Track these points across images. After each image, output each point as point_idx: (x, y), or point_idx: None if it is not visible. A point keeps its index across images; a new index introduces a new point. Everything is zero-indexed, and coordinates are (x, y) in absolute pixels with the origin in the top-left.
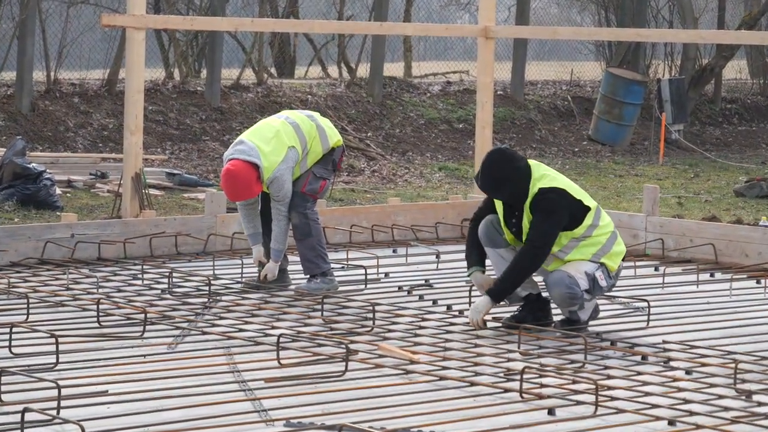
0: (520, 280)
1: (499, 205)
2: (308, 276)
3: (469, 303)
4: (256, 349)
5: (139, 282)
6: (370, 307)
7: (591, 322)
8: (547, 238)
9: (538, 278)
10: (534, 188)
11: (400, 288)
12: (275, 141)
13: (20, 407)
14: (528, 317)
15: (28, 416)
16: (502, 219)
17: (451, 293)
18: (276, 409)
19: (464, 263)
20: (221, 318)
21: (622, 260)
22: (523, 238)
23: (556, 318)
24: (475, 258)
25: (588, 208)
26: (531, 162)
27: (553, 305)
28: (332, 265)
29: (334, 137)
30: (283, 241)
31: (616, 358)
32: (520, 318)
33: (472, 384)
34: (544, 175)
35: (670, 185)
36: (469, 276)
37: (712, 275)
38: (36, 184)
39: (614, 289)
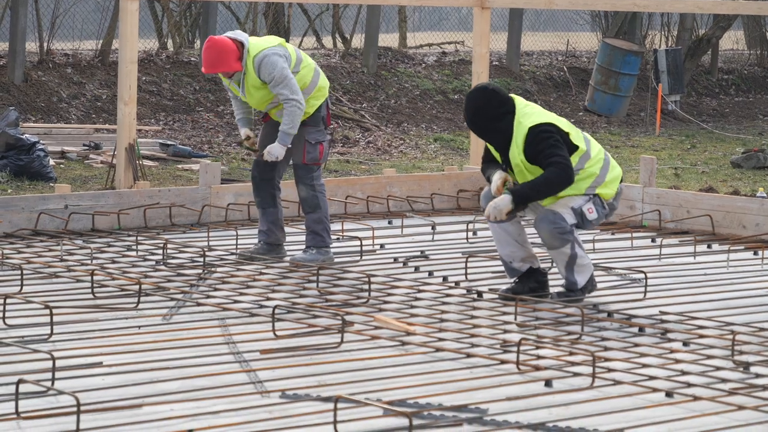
0: (547, 190)
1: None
2: (306, 247)
3: (465, 275)
4: (252, 321)
5: (133, 253)
6: (366, 279)
7: (588, 295)
8: (564, 154)
9: (529, 229)
10: (522, 127)
11: (395, 259)
12: (267, 38)
13: (15, 378)
14: (524, 289)
15: (23, 387)
16: (497, 155)
17: (447, 264)
18: (271, 381)
19: (461, 234)
20: (216, 289)
21: (621, 182)
22: (514, 171)
23: (552, 290)
24: (493, 171)
25: (576, 147)
26: (513, 97)
27: (550, 277)
28: None
29: (325, 86)
30: (294, 126)
31: (613, 330)
32: (516, 290)
33: (469, 356)
34: (528, 113)
35: (666, 156)
36: (489, 177)
37: (709, 246)
38: (29, 155)
39: (611, 261)
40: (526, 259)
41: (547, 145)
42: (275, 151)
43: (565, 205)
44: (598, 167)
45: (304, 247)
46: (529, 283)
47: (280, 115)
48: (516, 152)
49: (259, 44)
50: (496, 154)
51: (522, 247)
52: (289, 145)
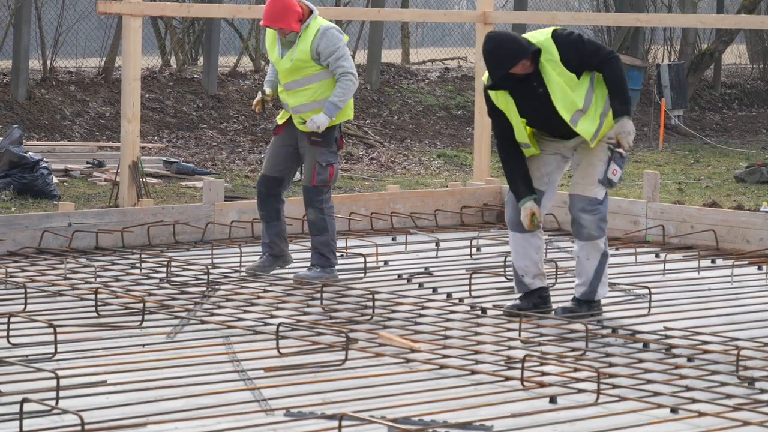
0: (626, 86)
1: (505, 102)
2: (311, 265)
3: (469, 291)
4: (256, 338)
5: (137, 271)
6: (370, 296)
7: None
8: (602, 44)
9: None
10: (544, 42)
11: (399, 276)
12: None
13: (19, 397)
14: (528, 305)
15: (27, 406)
16: (519, 119)
17: (450, 281)
18: (276, 399)
19: (464, 251)
20: (220, 307)
21: None
22: (555, 98)
23: (555, 305)
24: (524, 189)
25: None
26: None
27: (554, 292)
28: None
29: (351, 108)
30: (344, 101)
31: (617, 346)
32: (520, 306)
33: (473, 372)
34: (533, 34)
35: (670, 171)
36: (521, 205)
37: (713, 261)
38: (33, 173)
39: (615, 276)
40: (537, 276)
41: (583, 43)
42: (319, 120)
43: (592, 181)
44: None
45: (308, 264)
46: (532, 299)
47: (297, 111)
48: (555, 73)
49: (325, 21)
50: (512, 113)
51: (538, 263)
52: (333, 118)
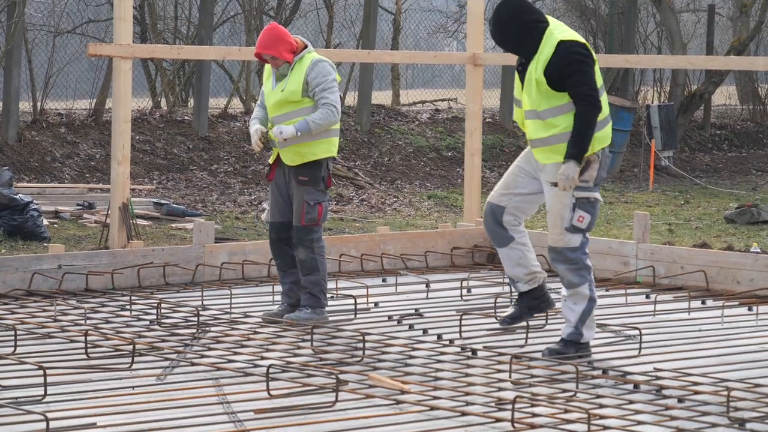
0: (591, 131)
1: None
2: (301, 306)
3: (460, 332)
4: (246, 380)
5: (127, 313)
6: (360, 337)
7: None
8: (593, 84)
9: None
10: (552, 39)
11: (390, 317)
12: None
13: None
14: (523, 311)
15: None
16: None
17: (441, 322)
18: None
19: (455, 292)
20: (210, 349)
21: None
22: (523, 85)
23: (545, 345)
24: None
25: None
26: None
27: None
28: None
29: (335, 144)
30: (319, 125)
31: (607, 387)
32: (515, 314)
33: (464, 414)
34: (562, 29)
35: (660, 212)
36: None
37: (703, 302)
38: (23, 214)
39: (605, 317)
40: (530, 281)
41: (577, 70)
42: (286, 130)
43: (561, 230)
44: (605, 113)
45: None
46: (527, 302)
47: (282, 144)
48: (534, 67)
49: (318, 55)
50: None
51: (526, 267)
52: (298, 134)
